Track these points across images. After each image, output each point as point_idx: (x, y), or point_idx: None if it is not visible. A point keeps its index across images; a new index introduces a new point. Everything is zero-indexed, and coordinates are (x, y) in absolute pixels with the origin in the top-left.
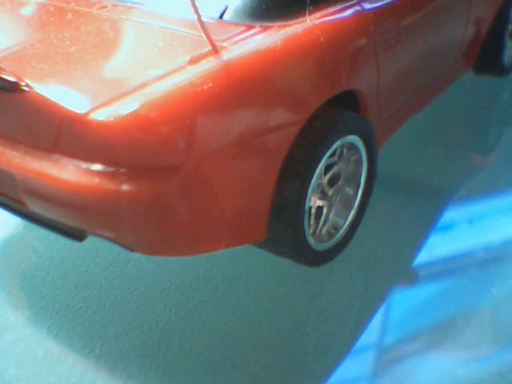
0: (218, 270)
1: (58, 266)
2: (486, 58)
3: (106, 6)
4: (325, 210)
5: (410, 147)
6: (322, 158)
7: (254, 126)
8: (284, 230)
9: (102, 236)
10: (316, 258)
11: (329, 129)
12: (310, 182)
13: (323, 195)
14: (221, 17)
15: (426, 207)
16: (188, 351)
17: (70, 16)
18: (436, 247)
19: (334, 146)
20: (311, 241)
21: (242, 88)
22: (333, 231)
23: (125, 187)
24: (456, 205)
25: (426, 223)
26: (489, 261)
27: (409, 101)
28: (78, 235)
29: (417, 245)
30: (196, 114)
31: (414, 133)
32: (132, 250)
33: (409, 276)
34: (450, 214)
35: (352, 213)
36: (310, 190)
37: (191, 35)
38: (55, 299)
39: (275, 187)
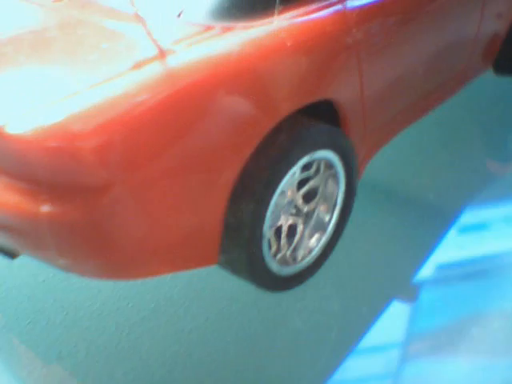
0: (182, 289)
1: (15, 273)
2: (506, 58)
3: (61, 0)
4: (300, 229)
5: (410, 155)
6: (283, 176)
7: (199, 142)
8: (239, 254)
9: (31, 256)
10: (279, 284)
11: (293, 143)
12: (267, 203)
13: (298, 212)
14: (179, 15)
15: (417, 228)
16: (131, 382)
17: (18, 9)
18: (426, 268)
19: (300, 163)
20: (273, 265)
21: (187, 99)
22: (304, 253)
23: (44, 208)
24: (448, 226)
25: (415, 245)
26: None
27: (403, 111)
28: (8, 252)
29: (404, 269)
30: (128, 128)
31: (418, 137)
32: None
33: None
34: (444, 238)
35: (326, 234)
36: (268, 212)
37: (143, 36)
38: (4, 312)
39: (229, 207)
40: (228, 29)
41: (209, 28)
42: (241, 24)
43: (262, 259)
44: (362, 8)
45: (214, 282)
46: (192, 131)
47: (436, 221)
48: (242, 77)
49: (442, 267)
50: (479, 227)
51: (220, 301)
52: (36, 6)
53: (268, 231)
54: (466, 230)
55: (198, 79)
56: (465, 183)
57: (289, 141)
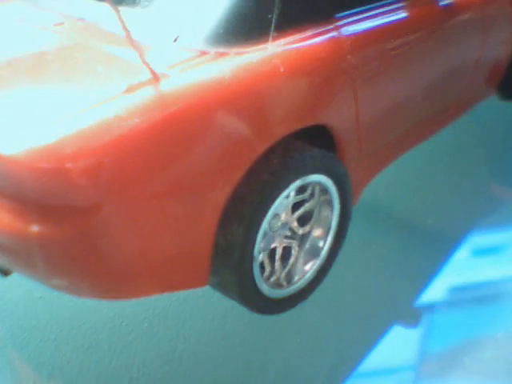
0: (176, 309)
1: (13, 289)
2: (510, 83)
3: (62, 23)
4: (294, 252)
5: (412, 177)
6: (274, 199)
7: (190, 165)
8: (229, 276)
9: (22, 275)
10: (270, 307)
11: (285, 167)
12: (258, 226)
13: (293, 234)
14: (175, 41)
15: (415, 252)
16: None
17: (20, 31)
18: (423, 293)
19: (292, 187)
20: (264, 288)
21: (179, 123)
22: (298, 276)
23: (34, 228)
24: (448, 251)
25: (412, 270)
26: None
27: (402, 136)
28: (0, 270)
29: (400, 293)
30: (119, 150)
31: (420, 160)
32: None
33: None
34: (443, 262)
35: (320, 258)
36: (258, 235)
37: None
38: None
39: (219, 229)
40: (222, 54)
41: (203, 53)
42: (235, 50)
43: (253, 282)
44: (357, 35)
45: (208, 303)
46: (183, 154)
47: (435, 245)
48: (234, 101)
49: (439, 292)
50: (479, 253)
51: (213, 321)
52: (38, 28)
53: (259, 254)
54: (466, 255)
55: (190, 103)
56: (467, 208)
57: (281, 165)
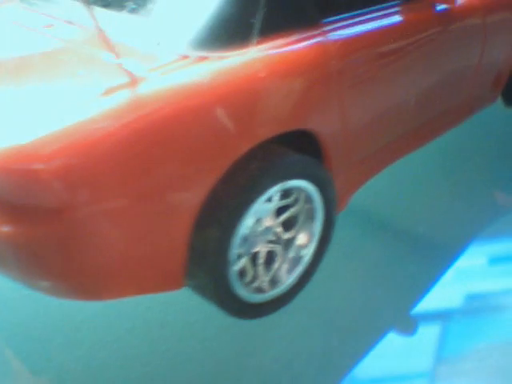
0: (159, 310)
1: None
2: None
3: (51, 25)
4: (279, 257)
5: (407, 184)
6: (250, 204)
7: (164, 167)
8: (205, 279)
9: None
10: (249, 311)
11: (263, 172)
12: (233, 230)
13: (278, 239)
14: (158, 44)
15: (404, 260)
16: None
17: (9, 34)
18: (411, 303)
19: (271, 192)
20: (242, 292)
21: (153, 126)
22: (280, 281)
23: (6, 228)
24: (440, 261)
25: (402, 279)
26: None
27: (393, 143)
28: None
29: (386, 303)
30: (90, 152)
31: (418, 166)
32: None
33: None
34: (432, 271)
35: (303, 263)
36: (234, 239)
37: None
38: None
39: (195, 232)
40: (203, 58)
41: (185, 57)
42: (216, 54)
43: (229, 286)
44: (344, 40)
45: (192, 305)
46: (157, 157)
47: (426, 253)
48: (210, 105)
49: (430, 301)
50: (473, 262)
51: (194, 324)
52: (26, 30)
53: (235, 258)
54: (458, 264)
55: (166, 107)
56: (461, 215)
57: (259, 170)
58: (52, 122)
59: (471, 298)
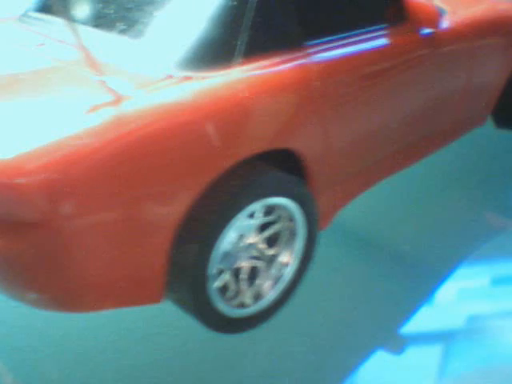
0: (143, 324)
1: None
2: (506, 112)
3: (45, 44)
4: (262, 273)
5: (395, 202)
6: (229, 221)
7: (144, 185)
8: (184, 293)
9: None
10: (229, 326)
11: (243, 189)
12: (212, 245)
13: (261, 255)
14: (146, 63)
15: (388, 279)
16: None
17: (4, 51)
18: (394, 322)
19: (250, 208)
20: (222, 307)
21: (134, 143)
22: (262, 297)
23: None
24: (423, 280)
25: (386, 298)
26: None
27: (379, 162)
28: None
29: (368, 321)
30: (70, 168)
31: (407, 185)
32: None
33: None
34: (415, 291)
35: (284, 280)
36: (214, 255)
37: (109, 82)
38: None
39: (175, 247)
40: (187, 78)
41: (170, 76)
42: (200, 74)
43: (208, 300)
44: (327, 62)
45: (176, 319)
46: (137, 174)
47: (412, 274)
48: (192, 123)
49: (413, 321)
50: (456, 283)
51: (176, 338)
52: (21, 47)
53: (215, 273)
54: (443, 285)
55: (148, 124)
56: (447, 236)
57: (238, 187)
58: (36, 137)
59: (459, 318)
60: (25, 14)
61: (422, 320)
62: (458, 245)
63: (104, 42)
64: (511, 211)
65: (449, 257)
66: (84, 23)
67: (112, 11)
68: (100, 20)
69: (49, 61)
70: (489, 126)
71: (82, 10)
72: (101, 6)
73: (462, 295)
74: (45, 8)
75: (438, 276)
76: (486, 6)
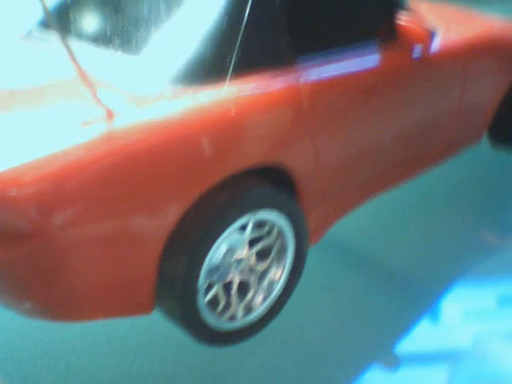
0: (138, 333)
1: None
2: (500, 131)
3: (49, 60)
4: (252, 287)
5: (391, 221)
6: (218, 234)
7: (132, 198)
8: (173, 305)
9: None
10: (217, 339)
11: (231, 203)
12: (201, 258)
13: (252, 270)
14: (140, 80)
15: (379, 296)
16: None
17: (7, 67)
18: (383, 340)
19: (239, 222)
20: (210, 320)
21: (124, 157)
22: (252, 311)
23: None
24: (413, 298)
25: (376, 315)
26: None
27: (370, 180)
28: None
29: (360, 336)
30: (60, 181)
31: (402, 202)
32: None
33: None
34: (406, 309)
35: (273, 295)
36: (202, 268)
37: (103, 98)
38: None
39: (165, 259)
40: (179, 95)
41: (162, 93)
42: (191, 91)
43: (197, 313)
44: (317, 81)
45: (169, 331)
46: (126, 187)
47: (403, 292)
48: (181, 139)
49: (405, 340)
50: (445, 303)
51: (169, 349)
52: (24, 63)
53: (204, 286)
54: (433, 304)
55: (137, 139)
56: (445, 257)
57: (227, 201)
58: (29, 151)
59: (452, 336)
60: (33, 30)
61: (415, 337)
62: (452, 262)
63: (98, 58)
64: (507, 229)
65: (442, 274)
66: (79, 39)
67: (107, 28)
68: (95, 37)
69: (48, 77)
70: (484, 144)
71: (77, 27)
72: (96, 23)
73: (456, 313)
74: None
75: (432, 294)
76: (481, 26)
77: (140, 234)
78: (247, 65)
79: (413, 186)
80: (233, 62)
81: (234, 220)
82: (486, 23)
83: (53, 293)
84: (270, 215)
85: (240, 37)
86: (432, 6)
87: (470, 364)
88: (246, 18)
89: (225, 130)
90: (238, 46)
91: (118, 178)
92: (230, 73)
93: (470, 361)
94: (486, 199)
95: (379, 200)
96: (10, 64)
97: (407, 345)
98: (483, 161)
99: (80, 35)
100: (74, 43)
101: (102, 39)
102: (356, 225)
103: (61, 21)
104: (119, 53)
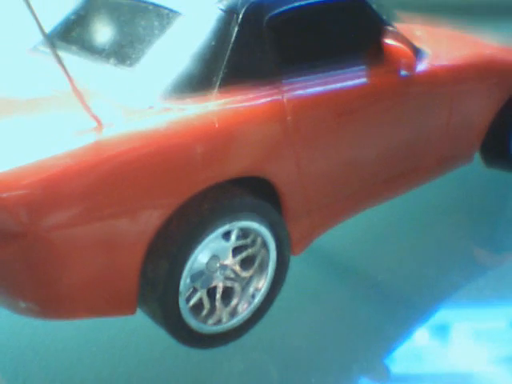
0: (125, 336)
1: None
2: (493, 150)
3: (49, 73)
4: (237, 293)
5: (382, 233)
6: (199, 240)
7: (117, 203)
8: (155, 307)
9: None
10: (198, 341)
11: (212, 212)
12: (182, 264)
13: (236, 276)
14: (132, 95)
15: (365, 307)
16: None
17: (9, 77)
18: (367, 352)
19: (221, 229)
20: (192, 322)
21: (110, 165)
22: (237, 316)
23: None
24: (398, 312)
25: (363, 326)
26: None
27: (357, 194)
28: None
29: (344, 343)
30: (49, 186)
31: (392, 215)
32: None
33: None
34: (391, 322)
35: (255, 301)
36: (184, 272)
37: (97, 110)
38: None
39: (148, 262)
40: (166, 109)
41: (151, 107)
42: (177, 105)
43: (179, 315)
44: (301, 99)
45: (157, 333)
46: (113, 192)
47: (388, 302)
48: (165, 149)
49: (388, 351)
50: (429, 320)
51: (154, 352)
52: (25, 75)
53: (186, 289)
54: (420, 319)
55: (124, 149)
56: (431, 267)
57: (209, 209)
58: (20, 157)
59: (434, 350)
60: (38, 44)
61: (399, 347)
62: (438, 274)
63: (92, 72)
64: (497, 244)
65: (428, 285)
66: (74, 53)
67: (103, 44)
68: (92, 52)
69: (49, 88)
70: (476, 158)
71: (73, 41)
72: (93, 39)
73: (441, 324)
74: (59, 37)
75: (416, 305)
76: (472, 47)
77: (123, 237)
78: (234, 80)
79: (402, 197)
80: (220, 78)
81: (214, 227)
82: (478, 47)
83: (40, 291)
84: (251, 225)
85: (228, 54)
86: (426, 28)
87: (451, 371)
88: (234, 36)
89: (209, 141)
90: (225, 62)
91: (104, 184)
92: (217, 87)
93: (451, 369)
94: (476, 212)
95: (367, 211)
96: (14, 75)
97: (391, 353)
98: (474, 174)
99: (78, 51)
100: (73, 58)
101: (96, 54)
102: (343, 234)
103: (61, 36)
104: (113, 68)
